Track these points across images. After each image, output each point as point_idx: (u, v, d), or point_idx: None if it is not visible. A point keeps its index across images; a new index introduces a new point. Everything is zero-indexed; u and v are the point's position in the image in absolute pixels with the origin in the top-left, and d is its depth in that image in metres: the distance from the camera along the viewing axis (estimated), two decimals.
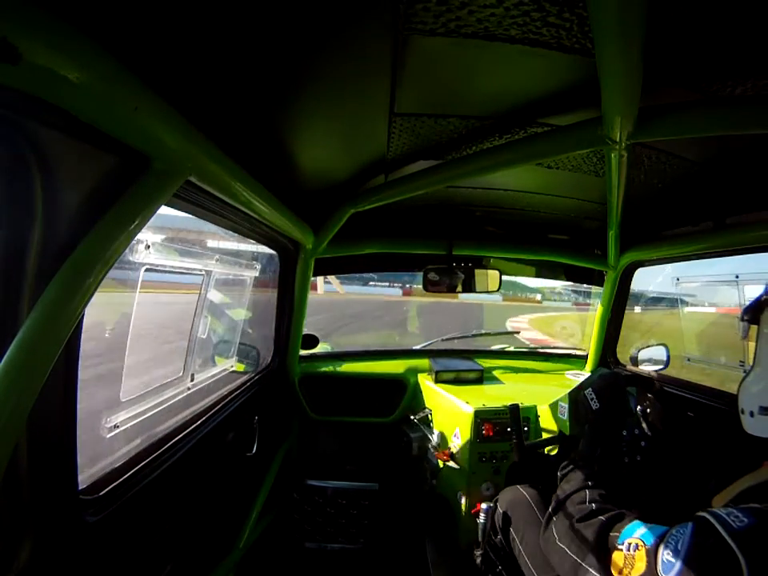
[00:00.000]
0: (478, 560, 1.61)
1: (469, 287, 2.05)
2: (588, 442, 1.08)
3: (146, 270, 1.14)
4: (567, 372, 2.34)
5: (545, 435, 1.76)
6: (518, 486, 1.39)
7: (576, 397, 1.24)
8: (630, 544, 0.74)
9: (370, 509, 2.13)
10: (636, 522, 0.79)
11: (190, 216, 1.01)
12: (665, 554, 0.68)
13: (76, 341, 0.67)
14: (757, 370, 0.93)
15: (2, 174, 0.53)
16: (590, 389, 1.16)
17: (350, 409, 2.20)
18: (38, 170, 0.54)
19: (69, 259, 0.57)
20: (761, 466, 0.84)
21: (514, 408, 1.58)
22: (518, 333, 3.04)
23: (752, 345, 0.97)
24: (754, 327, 0.96)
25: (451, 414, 1.89)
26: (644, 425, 1.26)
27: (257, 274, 1.89)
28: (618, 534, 0.78)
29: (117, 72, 0.55)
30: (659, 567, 0.68)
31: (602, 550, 0.80)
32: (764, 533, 0.61)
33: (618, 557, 0.76)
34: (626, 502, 0.90)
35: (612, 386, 1.16)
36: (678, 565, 0.65)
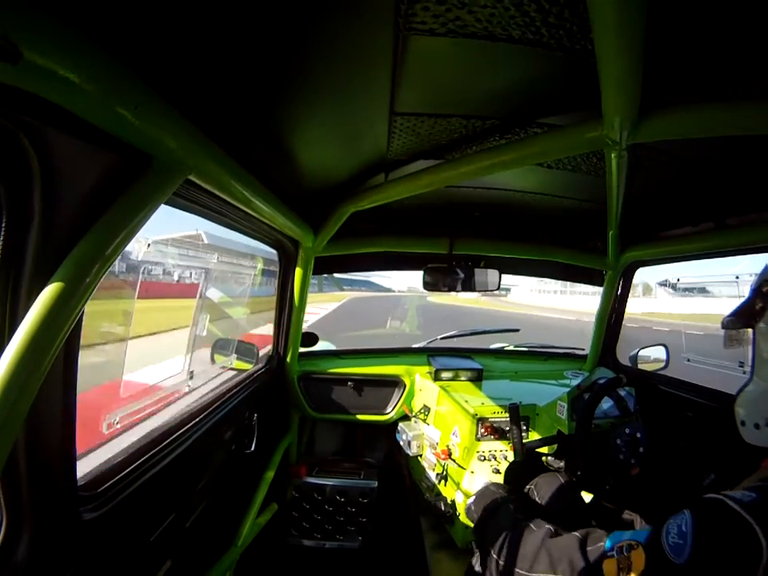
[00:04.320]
0: (477, 559, 1.61)
1: (468, 286, 2.05)
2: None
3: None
4: (567, 371, 2.35)
5: (544, 434, 1.76)
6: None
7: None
8: (620, 548, 0.72)
9: (369, 507, 2.13)
10: (615, 533, 0.78)
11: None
12: (669, 540, 0.65)
13: (76, 338, 0.67)
14: (758, 381, 0.88)
15: (1, 173, 0.53)
16: (533, 486, 1.23)
17: (349, 407, 2.21)
18: (38, 168, 0.54)
19: (69, 257, 0.58)
20: (758, 468, 0.84)
21: (514, 407, 1.58)
22: (517, 331, 3.03)
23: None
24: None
25: (450, 412, 1.90)
26: (641, 427, 1.26)
27: (256, 273, 1.89)
28: (602, 543, 0.76)
29: (117, 71, 0.55)
30: (668, 553, 0.65)
31: (591, 570, 0.76)
32: None
33: (609, 565, 0.73)
34: (624, 506, 0.87)
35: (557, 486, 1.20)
36: (689, 545, 0.63)
